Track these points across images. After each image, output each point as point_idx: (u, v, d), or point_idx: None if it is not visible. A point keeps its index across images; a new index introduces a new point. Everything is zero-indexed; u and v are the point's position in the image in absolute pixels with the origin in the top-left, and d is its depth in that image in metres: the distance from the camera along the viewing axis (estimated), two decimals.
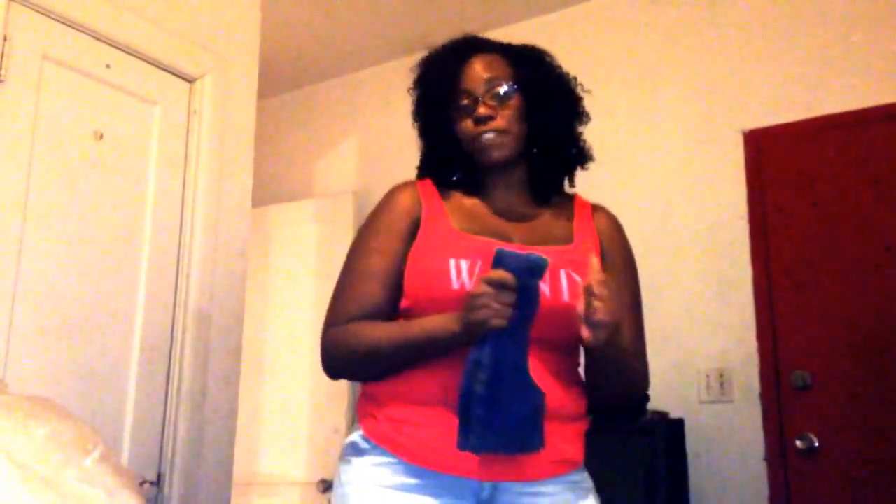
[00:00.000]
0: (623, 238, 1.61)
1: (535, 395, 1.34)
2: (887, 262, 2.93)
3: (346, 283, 1.50)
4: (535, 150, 1.56)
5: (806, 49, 3.26)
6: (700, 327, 3.23)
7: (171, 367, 2.58)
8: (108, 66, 2.52)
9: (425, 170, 1.63)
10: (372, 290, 1.46)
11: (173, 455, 2.52)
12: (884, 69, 3.08)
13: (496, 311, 1.26)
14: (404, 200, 1.54)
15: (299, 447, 3.94)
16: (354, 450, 1.45)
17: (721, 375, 3.14)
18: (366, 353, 1.43)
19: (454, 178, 1.60)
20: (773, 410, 3.02)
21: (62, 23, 2.40)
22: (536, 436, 1.35)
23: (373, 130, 4.30)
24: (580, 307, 1.29)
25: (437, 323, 1.36)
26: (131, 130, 2.57)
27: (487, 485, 1.37)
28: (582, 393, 1.49)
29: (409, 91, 1.63)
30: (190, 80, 2.78)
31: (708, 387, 3.16)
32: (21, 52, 2.28)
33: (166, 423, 2.54)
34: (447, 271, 1.40)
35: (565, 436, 1.43)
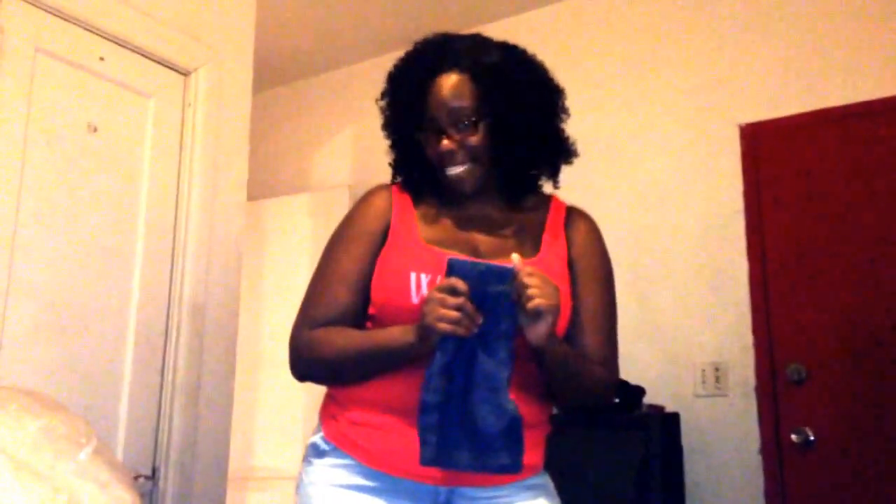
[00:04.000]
0: (599, 245, 1.57)
1: (505, 413, 1.30)
2: (882, 256, 2.93)
3: (317, 287, 1.52)
4: (505, 161, 1.52)
5: (802, 43, 3.26)
6: (696, 321, 3.24)
7: (166, 360, 2.57)
8: (101, 58, 2.50)
9: (397, 171, 1.62)
10: (341, 296, 1.47)
11: (168, 449, 2.51)
12: (880, 63, 3.08)
13: (443, 316, 1.25)
14: (377, 205, 1.55)
15: (294, 441, 3.94)
16: (315, 451, 1.47)
17: (716, 369, 3.15)
18: (330, 362, 1.45)
19: (425, 183, 1.57)
20: (768, 404, 3.03)
21: (56, 15, 2.38)
22: (508, 456, 1.31)
23: (368, 124, 4.26)
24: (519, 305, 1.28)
25: (396, 334, 1.37)
26: (125, 123, 2.56)
27: (443, 489, 1.38)
28: (544, 400, 1.48)
29: (376, 102, 1.61)
30: (184, 73, 2.77)
31: (703, 380, 3.17)
32: (14, 44, 2.27)
33: (161, 417, 2.54)
34: (407, 285, 1.40)
35: (527, 442, 1.40)
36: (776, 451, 2.99)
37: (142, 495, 1.86)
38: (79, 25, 2.44)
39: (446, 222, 1.53)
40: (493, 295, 1.28)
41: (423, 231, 1.51)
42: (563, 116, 1.56)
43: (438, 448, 1.30)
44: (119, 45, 2.55)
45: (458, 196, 1.53)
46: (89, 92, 2.46)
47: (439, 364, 1.29)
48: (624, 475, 2.76)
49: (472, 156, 1.48)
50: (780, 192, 3.17)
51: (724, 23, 3.44)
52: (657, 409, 3.03)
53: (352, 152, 4.39)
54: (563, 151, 1.57)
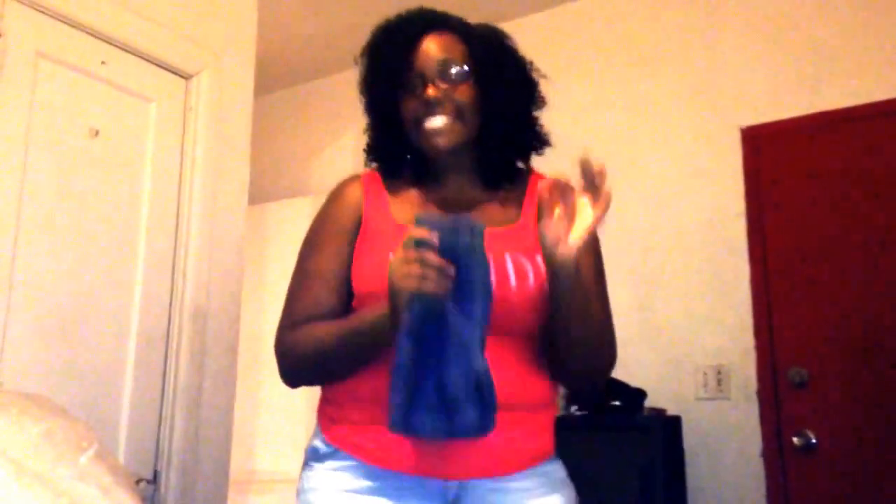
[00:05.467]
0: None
1: (473, 372, 1.20)
2: (884, 259, 2.93)
3: (296, 287, 1.48)
4: (486, 136, 1.47)
5: (804, 45, 3.26)
6: (697, 324, 3.23)
7: (168, 364, 2.58)
8: (103, 62, 2.51)
9: (371, 153, 1.55)
10: (321, 294, 1.43)
11: (170, 453, 2.51)
12: (881, 65, 3.08)
13: (407, 273, 1.16)
14: (348, 197, 1.50)
15: (296, 444, 3.94)
16: (315, 455, 1.42)
17: (718, 372, 3.14)
18: (313, 352, 1.39)
19: (401, 164, 1.52)
20: (770, 407, 3.02)
21: (57, 19, 2.39)
22: (475, 415, 1.20)
23: None
24: (547, 229, 1.24)
25: (372, 309, 1.30)
26: (127, 127, 2.56)
27: (454, 484, 1.33)
28: (547, 380, 1.41)
29: (355, 60, 1.53)
30: (186, 77, 2.77)
31: (705, 384, 3.16)
32: (16, 48, 2.27)
33: (162, 420, 2.54)
34: (387, 270, 1.29)
35: (533, 426, 1.37)
36: (778, 455, 2.98)
37: (143, 499, 1.86)
38: (80, 30, 2.45)
39: (422, 203, 1.48)
40: (464, 247, 1.18)
41: (397, 213, 1.45)
42: (540, 104, 1.52)
43: (405, 411, 1.21)
44: (121, 49, 2.56)
45: (432, 161, 1.47)
46: (91, 96, 2.47)
47: (407, 324, 1.19)
48: (626, 478, 2.76)
49: (457, 110, 1.41)
50: (781, 194, 3.17)
51: (726, 25, 3.44)
52: (659, 413, 3.03)
53: (353, 156, 4.39)
54: (538, 137, 1.52)
